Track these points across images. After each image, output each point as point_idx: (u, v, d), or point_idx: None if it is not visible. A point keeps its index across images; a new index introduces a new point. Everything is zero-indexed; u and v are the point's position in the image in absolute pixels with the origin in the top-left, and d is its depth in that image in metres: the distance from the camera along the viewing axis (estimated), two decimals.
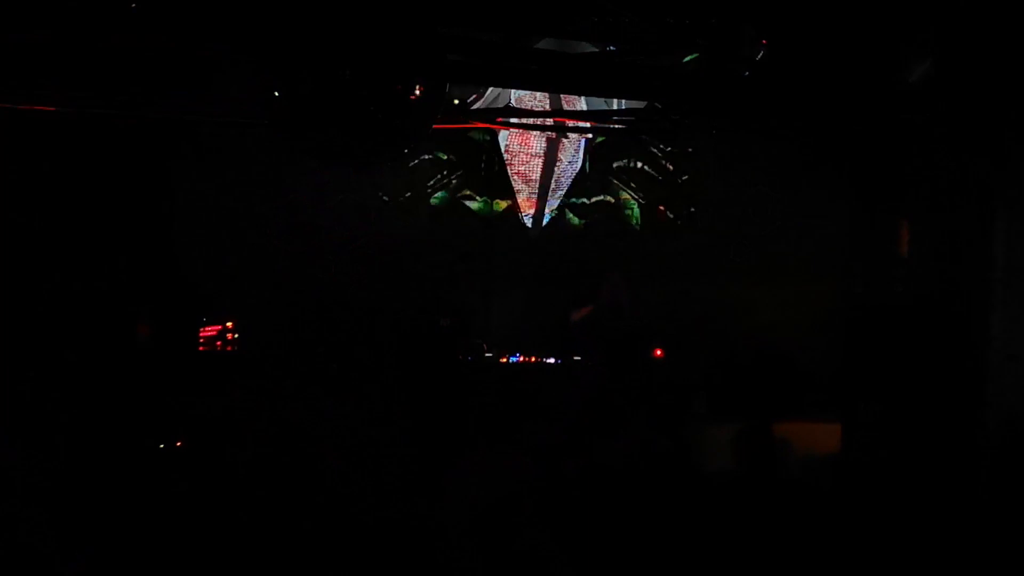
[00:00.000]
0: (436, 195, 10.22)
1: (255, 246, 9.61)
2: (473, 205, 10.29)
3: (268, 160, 9.45)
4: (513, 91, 9.77)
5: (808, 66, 7.04)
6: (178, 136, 8.64)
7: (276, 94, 5.09)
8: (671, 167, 10.44)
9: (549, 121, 9.95)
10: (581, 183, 10.38)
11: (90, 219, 7.95)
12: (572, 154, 10.34)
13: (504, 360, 8.94)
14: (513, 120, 9.51)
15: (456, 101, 8.70)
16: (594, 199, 10.40)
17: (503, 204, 10.30)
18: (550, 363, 8.76)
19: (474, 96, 9.73)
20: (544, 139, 10.27)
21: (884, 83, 6.36)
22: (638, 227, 10.40)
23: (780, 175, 10.34)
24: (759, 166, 10.37)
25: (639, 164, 10.44)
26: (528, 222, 10.27)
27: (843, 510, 5.78)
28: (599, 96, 9.25)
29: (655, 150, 10.40)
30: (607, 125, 9.59)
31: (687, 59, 8.65)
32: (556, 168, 10.29)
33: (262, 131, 6.47)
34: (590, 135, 10.17)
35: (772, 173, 10.38)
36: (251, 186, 9.61)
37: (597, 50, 7.48)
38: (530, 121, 9.72)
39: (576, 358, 8.69)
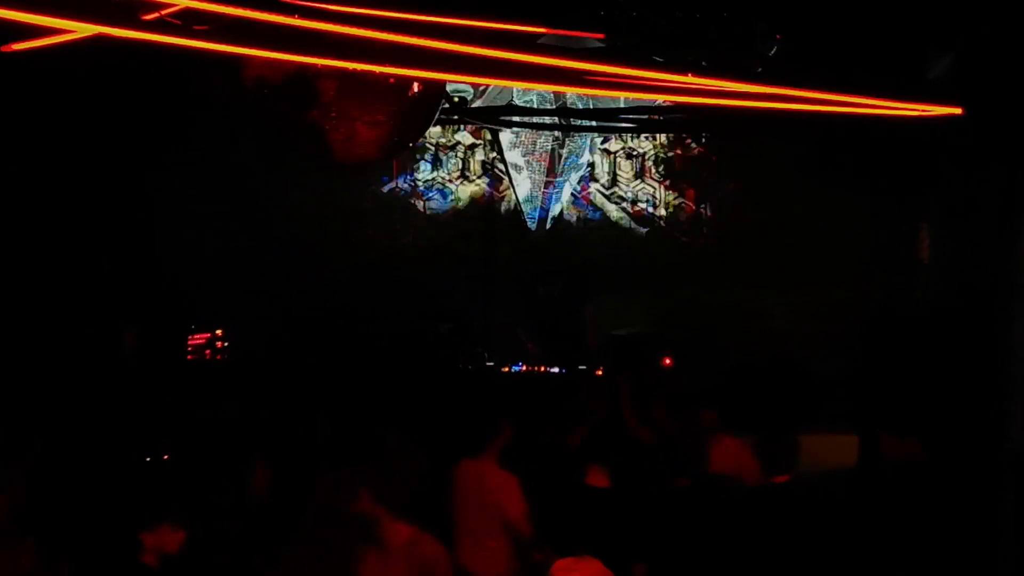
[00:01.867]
0: (435, 196, 10.19)
1: (245, 250, 9.58)
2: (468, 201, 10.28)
3: (259, 162, 9.43)
4: (515, 88, 9.74)
5: (825, 62, 7.00)
6: (165, 138, 8.61)
7: (265, 91, 5.05)
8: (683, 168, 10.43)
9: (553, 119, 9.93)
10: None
11: (73, 222, 7.92)
12: (577, 153, 10.31)
13: (506, 369, 8.89)
14: (516, 118, 9.47)
15: (456, 99, 8.66)
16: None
17: (504, 205, 10.27)
18: (555, 372, 8.71)
19: (475, 93, 9.71)
20: (548, 138, 10.23)
21: (904, 80, 6.33)
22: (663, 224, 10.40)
23: (795, 177, 10.32)
24: (773, 167, 10.35)
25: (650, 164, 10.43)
26: (531, 224, 10.24)
27: (860, 525, 5.73)
28: (605, 94, 9.21)
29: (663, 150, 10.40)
30: (614, 124, 9.56)
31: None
32: (560, 168, 10.26)
33: (252, 131, 6.44)
34: (595, 134, 10.13)
35: (786, 175, 10.36)
36: (241, 188, 9.59)
37: (603, 45, 7.43)
38: (533, 119, 9.69)
39: (581, 367, 8.64)
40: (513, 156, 10.21)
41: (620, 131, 9.87)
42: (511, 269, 10.04)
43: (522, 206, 10.19)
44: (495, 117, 8.98)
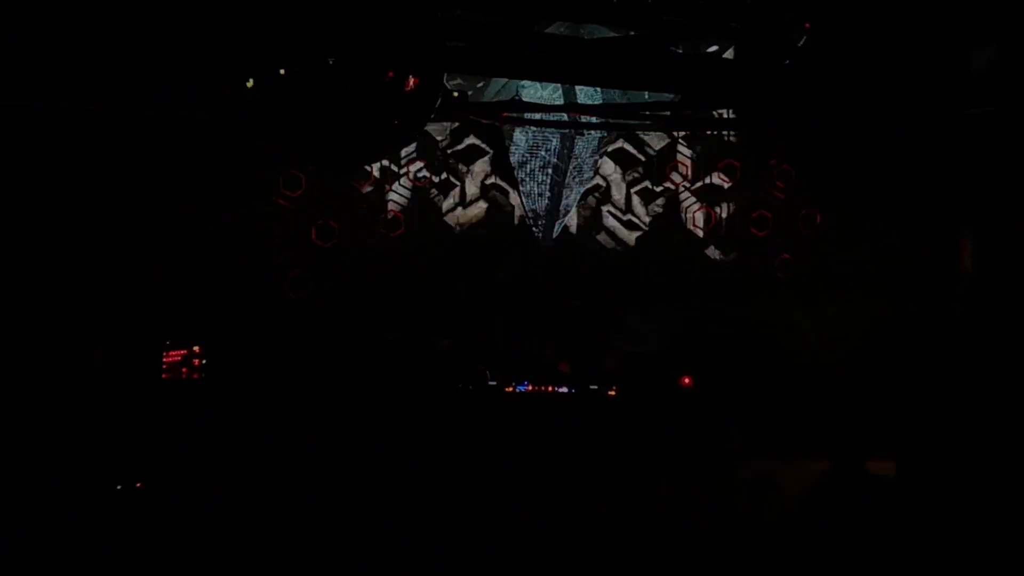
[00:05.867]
0: (434, 199, 10.18)
1: (226, 259, 9.57)
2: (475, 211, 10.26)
3: (241, 163, 9.42)
4: (521, 82, 9.73)
5: (857, 53, 7.00)
6: (138, 136, 8.62)
7: (249, 85, 5.06)
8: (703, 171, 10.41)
9: (562, 116, 9.91)
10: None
11: (38, 229, 7.94)
12: (587, 153, 10.30)
13: (510, 389, 8.85)
14: (521, 115, 9.47)
15: (456, 94, 8.68)
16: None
17: (509, 210, 10.25)
18: (563, 392, 8.68)
19: (477, 88, 9.70)
20: (556, 136, 10.22)
21: (943, 71, 6.33)
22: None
23: (823, 178, 10.30)
24: (800, 168, 10.32)
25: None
26: (538, 231, 10.22)
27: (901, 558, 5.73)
28: (617, 88, 9.21)
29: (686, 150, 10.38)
30: (628, 121, 9.56)
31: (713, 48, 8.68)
32: (569, 169, 10.25)
33: (233, 129, 6.46)
34: (608, 132, 10.12)
35: (814, 176, 10.33)
36: (222, 192, 9.58)
37: (616, 35, 7.45)
38: (540, 116, 9.68)
39: (592, 387, 8.61)
40: (517, 154, 10.21)
41: (634, 128, 9.86)
42: (519, 279, 10.02)
43: (528, 213, 10.18)
44: (498, 112, 8.98)
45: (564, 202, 10.26)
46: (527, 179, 10.21)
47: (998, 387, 7.75)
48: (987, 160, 8.26)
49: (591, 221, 10.33)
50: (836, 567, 5.23)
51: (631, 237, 10.34)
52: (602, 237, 10.31)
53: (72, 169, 8.28)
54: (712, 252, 10.32)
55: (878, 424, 8.14)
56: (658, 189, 10.35)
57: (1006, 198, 8.18)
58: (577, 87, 9.69)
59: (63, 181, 8.26)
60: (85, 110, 7.39)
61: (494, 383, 8.98)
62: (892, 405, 8.45)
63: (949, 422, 7.50)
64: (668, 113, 8.41)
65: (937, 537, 5.68)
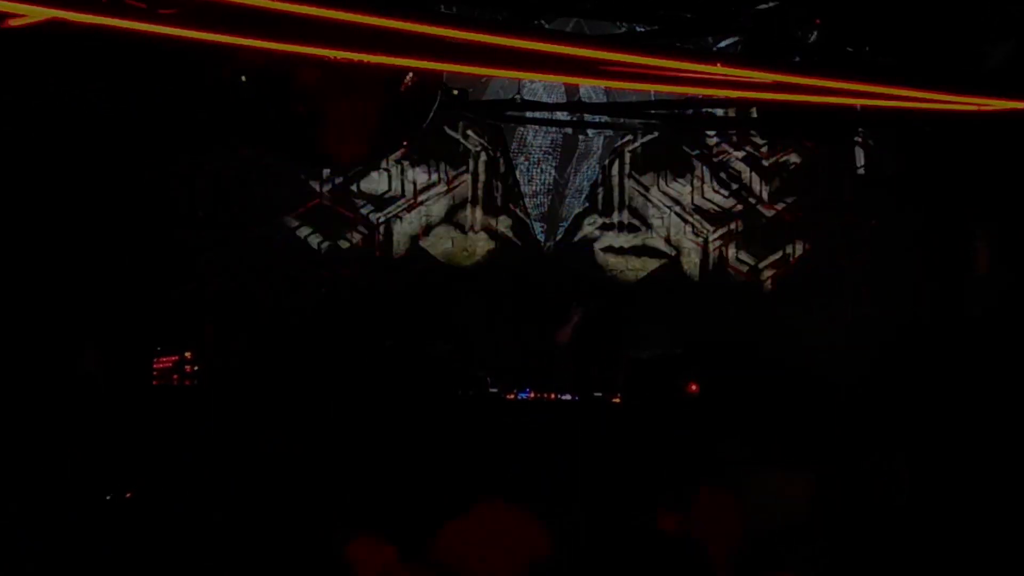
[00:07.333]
0: (432, 202, 10.16)
1: (218, 261, 9.55)
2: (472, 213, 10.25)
3: (235, 160, 9.41)
4: (523, 80, 9.72)
5: (868, 50, 6.98)
6: (128, 134, 8.60)
7: (243, 79, 5.04)
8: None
9: (564, 115, 9.90)
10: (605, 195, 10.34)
11: (24, 230, 7.91)
12: (590, 154, 10.28)
13: (512, 396, 8.81)
14: (523, 114, 9.45)
15: (456, 92, 8.66)
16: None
17: (510, 212, 10.24)
18: (566, 400, 8.64)
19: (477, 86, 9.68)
20: (559, 136, 10.21)
21: (959, 67, 6.31)
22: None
23: (833, 177, 10.28)
24: (809, 166, 10.31)
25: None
26: (540, 235, 10.20)
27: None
28: (622, 86, 9.19)
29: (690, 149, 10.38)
30: (633, 120, 9.54)
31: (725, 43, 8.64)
32: (572, 170, 10.24)
33: (227, 127, 6.43)
34: (612, 131, 10.11)
35: (824, 175, 10.32)
36: (215, 190, 9.56)
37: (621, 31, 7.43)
38: (542, 115, 9.66)
39: (597, 394, 8.58)
40: (517, 155, 10.20)
41: (640, 127, 9.86)
42: (520, 282, 10.00)
43: (530, 216, 10.17)
44: (500, 112, 8.96)
45: (567, 206, 10.26)
46: (529, 180, 10.21)
47: (1009, 388, 7.73)
48: (995, 160, 8.25)
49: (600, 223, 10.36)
50: (841, 570, 5.18)
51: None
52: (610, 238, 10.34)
53: (67, 173, 8.26)
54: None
55: (885, 426, 8.12)
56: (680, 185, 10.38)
57: (1016, 198, 8.16)
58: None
59: (58, 185, 8.24)
60: (83, 113, 7.37)
61: (495, 390, 8.94)
62: (901, 407, 8.44)
63: (960, 424, 7.47)
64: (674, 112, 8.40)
65: (944, 540, 5.63)
